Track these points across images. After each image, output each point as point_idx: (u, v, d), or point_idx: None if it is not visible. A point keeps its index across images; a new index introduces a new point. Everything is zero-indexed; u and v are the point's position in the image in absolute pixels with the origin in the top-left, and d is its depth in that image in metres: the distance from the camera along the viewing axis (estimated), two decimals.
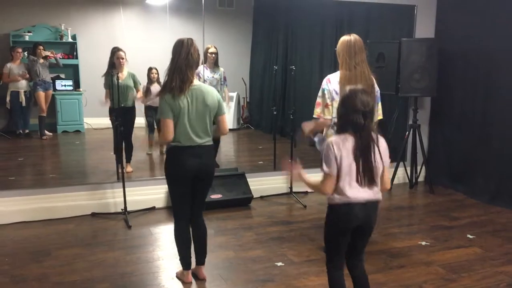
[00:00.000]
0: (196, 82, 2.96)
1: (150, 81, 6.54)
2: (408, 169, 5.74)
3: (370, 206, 2.33)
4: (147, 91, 6.57)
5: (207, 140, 3.01)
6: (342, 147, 2.26)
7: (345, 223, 2.34)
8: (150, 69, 6.58)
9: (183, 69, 2.85)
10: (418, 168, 5.74)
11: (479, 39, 5.19)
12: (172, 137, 2.91)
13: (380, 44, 5.41)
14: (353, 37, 3.33)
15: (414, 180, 5.71)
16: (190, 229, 3.15)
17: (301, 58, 7.88)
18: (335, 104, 3.30)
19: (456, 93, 5.51)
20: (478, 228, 4.26)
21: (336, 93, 3.33)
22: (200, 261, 3.20)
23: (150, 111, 6.74)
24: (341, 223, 2.35)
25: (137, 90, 5.81)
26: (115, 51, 5.54)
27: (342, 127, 2.34)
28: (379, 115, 3.54)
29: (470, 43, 5.30)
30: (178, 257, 3.50)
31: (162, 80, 6.62)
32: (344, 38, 3.36)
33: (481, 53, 5.18)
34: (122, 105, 5.53)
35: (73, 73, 9.18)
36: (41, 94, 8.24)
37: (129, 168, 5.74)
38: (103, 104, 5.51)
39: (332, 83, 3.38)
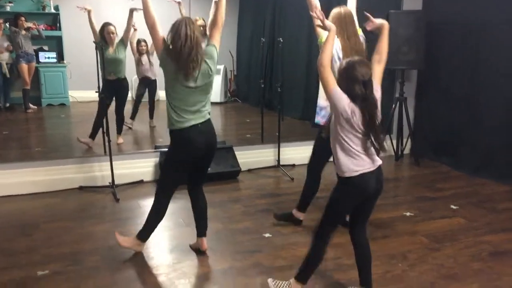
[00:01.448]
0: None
1: (140, 53, 6.47)
2: (394, 141, 5.79)
3: (378, 172, 2.43)
4: (138, 64, 6.52)
5: (208, 113, 2.97)
6: (355, 112, 2.31)
7: (360, 194, 2.43)
8: (138, 42, 6.50)
9: (189, 56, 2.75)
10: (404, 140, 5.80)
11: (466, 11, 5.19)
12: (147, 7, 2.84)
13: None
14: (343, 9, 3.29)
15: (400, 153, 5.77)
16: (192, 201, 3.20)
17: (289, 30, 7.80)
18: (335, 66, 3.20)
19: (442, 66, 5.53)
20: (462, 199, 4.35)
21: (339, 57, 3.23)
22: (202, 233, 3.22)
23: (142, 86, 6.68)
24: (356, 195, 2.43)
25: (127, 30, 5.57)
26: (103, 26, 5.44)
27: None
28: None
29: (457, 15, 5.30)
30: (166, 230, 3.55)
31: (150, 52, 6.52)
32: (335, 10, 3.32)
33: (467, 26, 5.18)
34: (112, 78, 5.48)
35: (57, 45, 9.01)
36: (24, 66, 8.09)
37: (120, 140, 5.73)
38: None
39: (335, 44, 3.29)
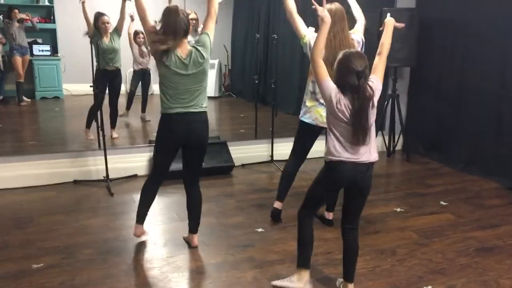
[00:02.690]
0: (189, 45, 2.94)
1: (138, 44, 6.49)
2: (386, 138, 5.85)
3: (363, 167, 2.44)
4: (141, 55, 6.55)
5: (202, 106, 3.01)
6: (340, 101, 2.37)
7: (333, 181, 2.52)
8: (136, 33, 6.51)
9: (175, 36, 2.83)
10: (396, 137, 5.86)
11: (459, 9, 5.25)
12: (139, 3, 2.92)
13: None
14: (334, 6, 3.32)
15: (391, 149, 5.84)
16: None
17: (283, 27, 7.81)
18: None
19: (434, 63, 5.59)
20: (451, 195, 4.42)
21: (310, 47, 3.33)
22: (193, 229, 3.25)
23: (136, 77, 6.70)
24: (331, 180, 2.53)
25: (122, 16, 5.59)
26: (97, 16, 5.40)
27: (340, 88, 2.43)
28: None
29: (450, 13, 5.36)
30: (160, 224, 3.60)
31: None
32: (326, 7, 3.35)
33: (460, 24, 5.24)
34: (111, 68, 5.47)
35: (51, 38, 8.98)
36: (18, 59, 8.06)
37: (115, 134, 5.75)
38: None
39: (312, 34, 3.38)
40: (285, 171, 3.72)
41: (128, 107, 6.68)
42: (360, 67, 2.35)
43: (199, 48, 2.93)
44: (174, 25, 2.83)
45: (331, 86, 2.40)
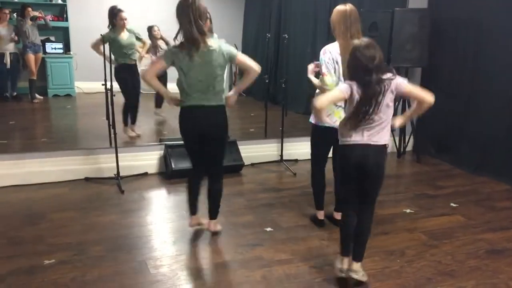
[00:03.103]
0: (209, 42, 2.97)
1: (154, 38, 6.53)
2: (397, 139, 5.83)
3: (368, 149, 2.56)
4: (155, 48, 6.57)
5: (215, 101, 3.08)
6: (355, 93, 2.48)
7: (346, 161, 2.64)
8: (151, 27, 6.55)
9: (191, 31, 2.88)
10: (406, 138, 5.83)
11: (471, 9, 5.21)
12: (148, 78, 2.99)
13: (373, 13, 5.41)
14: (348, 7, 3.28)
15: (402, 150, 5.82)
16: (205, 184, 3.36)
17: (294, 27, 7.83)
18: (338, 70, 3.28)
19: (446, 64, 5.56)
20: (462, 197, 4.39)
21: (337, 62, 3.25)
22: (211, 215, 3.41)
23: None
24: (344, 161, 2.65)
25: (144, 43, 5.81)
26: (116, 12, 5.41)
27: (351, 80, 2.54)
28: None
29: (461, 13, 5.33)
30: (169, 222, 3.64)
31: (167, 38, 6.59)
32: (340, 8, 3.31)
33: (472, 24, 5.20)
34: (125, 62, 5.52)
35: (63, 36, 9.08)
36: (31, 56, 8.16)
37: (133, 132, 5.80)
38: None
39: (331, 52, 3.28)
40: (314, 182, 3.63)
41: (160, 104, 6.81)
42: (374, 61, 2.42)
43: (216, 56, 3.01)
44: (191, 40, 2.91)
45: (343, 88, 2.50)
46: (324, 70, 3.25)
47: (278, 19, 8.39)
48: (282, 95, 5.46)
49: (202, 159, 3.26)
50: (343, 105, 3.05)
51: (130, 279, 2.81)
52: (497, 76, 4.95)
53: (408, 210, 4.03)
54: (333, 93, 2.55)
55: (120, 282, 2.78)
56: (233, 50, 3.11)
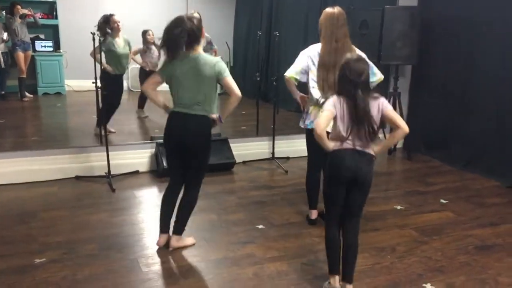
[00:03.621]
0: (198, 51, 2.98)
1: (148, 43, 6.50)
2: (387, 136, 5.85)
3: (359, 157, 2.51)
4: (146, 53, 6.56)
5: (198, 110, 3.00)
6: (339, 108, 2.45)
7: (336, 171, 2.53)
8: (145, 32, 6.53)
9: (176, 42, 2.87)
10: None
11: (461, 7, 5.25)
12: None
13: (364, 11, 5.43)
14: (336, 9, 3.29)
15: (392, 147, 5.85)
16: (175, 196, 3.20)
17: (285, 24, 7.83)
18: (311, 75, 3.31)
19: (436, 61, 5.60)
20: (451, 194, 4.43)
21: (313, 63, 3.32)
22: (174, 230, 3.18)
23: (144, 75, 6.73)
24: (333, 170, 2.55)
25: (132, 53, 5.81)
26: (108, 16, 5.39)
27: (338, 93, 2.51)
28: (377, 76, 3.49)
29: (452, 11, 5.36)
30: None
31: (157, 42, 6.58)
32: (328, 10, 3.31)
33: (462, 22, 5.24)
34: (119, 73, 5.53)
35: (53, 33, 9.00)
36: (21, 54, 8.09)
37: (112, 129, 5.79)
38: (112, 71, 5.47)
39: (310, 50, 3.36)
40: (309, 182, 3.61)
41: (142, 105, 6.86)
42: (361, 76, 2.42)
43: (202, 64, 2.98)
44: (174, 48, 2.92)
45: (332, 108, 2.46)
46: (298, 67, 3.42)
47: (269, 16, 8.39)
48: (273, 92, 5.48)
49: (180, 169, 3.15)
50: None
51: (122, 278, 2.81)
52: (487, 73, 4.99)
53: (398, 207, 4.06)
54: (324, 115, 2.47)
55: (111, 280, 2.77)
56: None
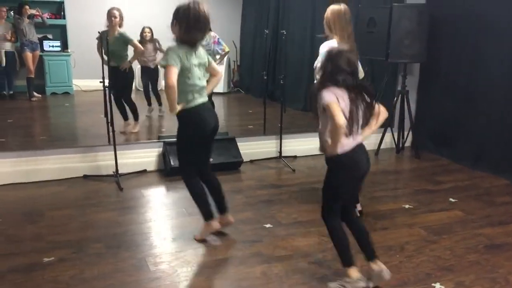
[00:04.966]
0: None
1: (143, 40, 6.51)
2: (396, 134, 5.83)
3: (364, 151, 2.56)
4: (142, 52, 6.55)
5: (205, 96, 3.17)
6: (340, 99, 2.41)
7: (357, 169, 2.54)
8: (142, 29, 6.54)
9: (192, 32, 2.96)
10: (405, 133, 5.83)
11: (469, 5, 5.20)
12: (173, 84, 2.90)
13: (371, 9, 5.40)
14: (343, 6, 3.27)
15: (400, 146, 5.81)
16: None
17: (292, 23, 7.81)
18: None
19: (444, 59, 5.55)
20: (461, 192, 4.40)
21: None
22: (225, 209, 3.37)
23: (144, 74, 6.77)
24: (353, 170, 2.53)
25: (134, 45, 5.65)
26: (108, 11, 5.41)
27: (325, 82, 2.45)
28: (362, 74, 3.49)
29: (460, 9, 5.31)
30: (168, 219, 3.61)
31: (156, 39, 6.63)
32: (335, 7, 3.29)
33: (470, 19, 5.19)
34: (116, 65, 5.51)
35: (61, 33, 9.05)
36: (29, 55, 8.14)
37: (136, 128, 5.85)
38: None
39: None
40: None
41: (149, 103, 6.91)
42: (353, 66, 2.43)
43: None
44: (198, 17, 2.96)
45: (335, 99, 2.40)
46: None
47: (276, 15, 8.38)
48: (280, 91, 5.45)
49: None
50: None
51: (130, 276, 2.81)
52: (495, 71, 4.94)
53: (407, 206, 4.03)
54: (336, 108, 2.37)
55: (119, 279, 2.78)
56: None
